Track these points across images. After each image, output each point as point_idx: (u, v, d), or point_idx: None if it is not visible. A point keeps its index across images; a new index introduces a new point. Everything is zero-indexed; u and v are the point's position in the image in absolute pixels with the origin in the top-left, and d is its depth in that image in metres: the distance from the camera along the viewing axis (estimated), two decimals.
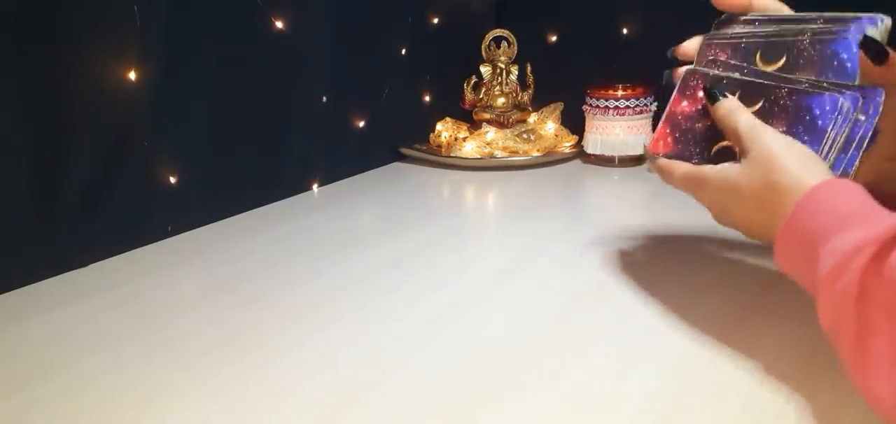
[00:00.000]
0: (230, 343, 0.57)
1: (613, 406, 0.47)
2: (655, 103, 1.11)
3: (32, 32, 0.66)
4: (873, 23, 0.54)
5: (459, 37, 1.27)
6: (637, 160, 1.12)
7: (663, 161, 0.60)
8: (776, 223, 0.48)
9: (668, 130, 0.61)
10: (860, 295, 0.40)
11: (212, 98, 0.86)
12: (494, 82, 1.23)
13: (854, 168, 0.52)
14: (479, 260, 0.77)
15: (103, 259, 0.75)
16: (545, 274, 0.69)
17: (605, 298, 0.63)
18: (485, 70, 1.24)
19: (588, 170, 1.14)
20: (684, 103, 0.61)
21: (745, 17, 0.62)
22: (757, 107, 0.56)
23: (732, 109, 0.55)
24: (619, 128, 1.12)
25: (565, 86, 1.23)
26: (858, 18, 0.54)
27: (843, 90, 0.53)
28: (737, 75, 0.59)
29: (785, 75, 0.57)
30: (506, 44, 1.24)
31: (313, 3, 0.97)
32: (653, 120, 1.12)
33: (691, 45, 0.65)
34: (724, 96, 0.57)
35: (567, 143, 1.21)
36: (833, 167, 0.52)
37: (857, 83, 0.53)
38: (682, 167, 0.58)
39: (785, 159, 0.49)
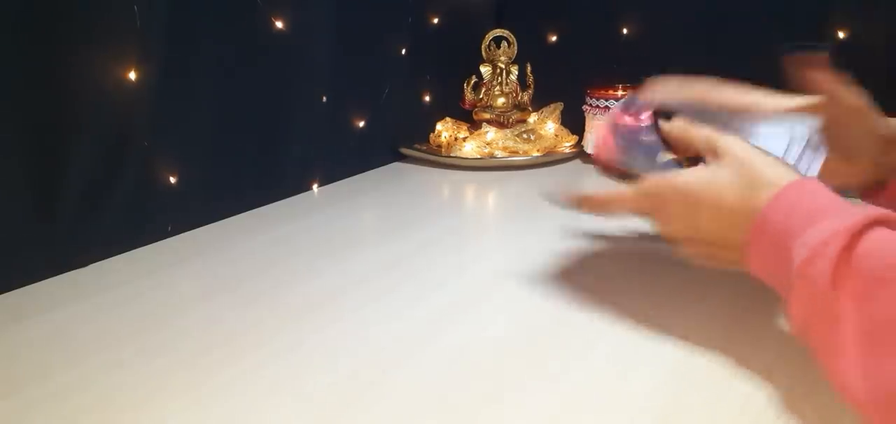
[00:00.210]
0: (230, 343, 0.57)
1: (613, 406, 0.47)
2: None
3: (32, 32, 0.66)
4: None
5: (459, 37, 1.27)
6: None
7: (613, 192, 0.59)
8: (747, 226, 0.49)
9: (612, 139, 0.62)
10: (832, 284, 0.41)
11: (212, 98, 0.86)
12: (494, 82, 1.23)
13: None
14: (479, 260, 0.77)
15: (103, 259, 0.75)
16: (545, 275, 0.69)
17: (606, 299, 0.63)
18: (485, 70, 1.24)
19: (588, 170, 1.14)
20: (627, 118, 0.62)
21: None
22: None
23: (688, 124, 0.57)
24: None
25: (565, 86, 1.23)
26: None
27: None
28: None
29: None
30: (506, 44, 1.24)
31: (313, 3, 0.97)
32: None
33: None
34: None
35: (567, 143, 1.21)
36: None
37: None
38: (647, 182, 0.57)
39: (759, 160, 0.51)
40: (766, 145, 0.54)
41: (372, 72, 1.13)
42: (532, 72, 1.24)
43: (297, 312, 0.62)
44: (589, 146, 1.16)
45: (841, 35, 1.03)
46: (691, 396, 0.48)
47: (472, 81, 1.24)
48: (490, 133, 1.18)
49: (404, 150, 1.20)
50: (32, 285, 0.68)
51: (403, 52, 1.18)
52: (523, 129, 1.19)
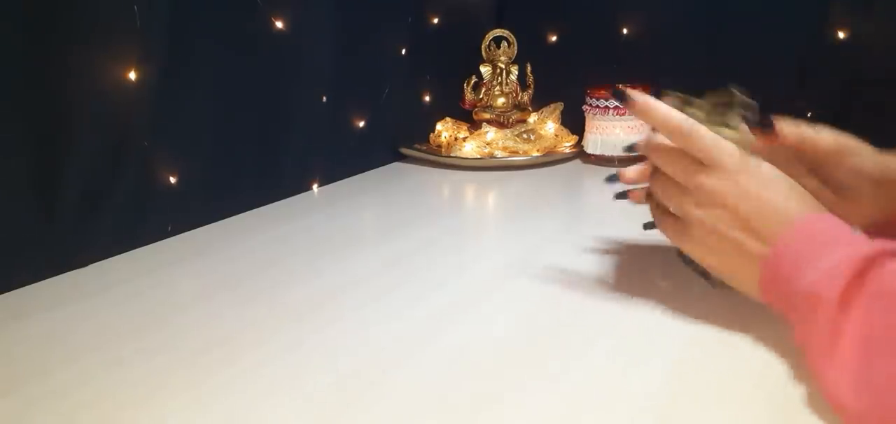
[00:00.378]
0: (230, 342, 0.57)
1: (614, 406, 0.47)
2: None
3: (32, 32, 0.66)
4: None
5: (459, 37, 1.27)
6: (637, 160, 1.12)
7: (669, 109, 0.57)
8: (777, 229, 0.50)
9: None
10: (840, 304, 0.42)
11: (212, 98, 0.86)
12: (494, 82, 1.23)
13: None
14: (479, 260, 0.77)
15: (103, 259, 0.75)
16: (545, 275, 0.69)
17: (606, 298, 0.63)
18: (485, 70, 1.24)
19: (588, 170, 1.14)
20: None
21: None
22: None
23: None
24: (619, 128, 1.12)
25: (565, 86, 1.23)
26: None
27: None
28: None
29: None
30: (506, 44, 1.24)
31: (313, 3, 0.97)
32: None
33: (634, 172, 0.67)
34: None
35: (567, 143, 1.21)
36: None
37: None
38: (704, 130, 0.54)
39: (780, 183, 0.52)
40: None
41: (372, 72, 1.13)
42: (532, 72, 1.24)
43: (297, 312, 0.62)
44: (589, 146, 1.16)
45: (841, 35, 1.03)
46: (692, 395, 0.48)
47: (472, 81, 1.24)
48: (490, 133, 1.18)
49: (404, 150, 1.20)
50: (33, 285, 0.68)
51: (403, 52, 1.18)
52: (523, 129, 1.19)
